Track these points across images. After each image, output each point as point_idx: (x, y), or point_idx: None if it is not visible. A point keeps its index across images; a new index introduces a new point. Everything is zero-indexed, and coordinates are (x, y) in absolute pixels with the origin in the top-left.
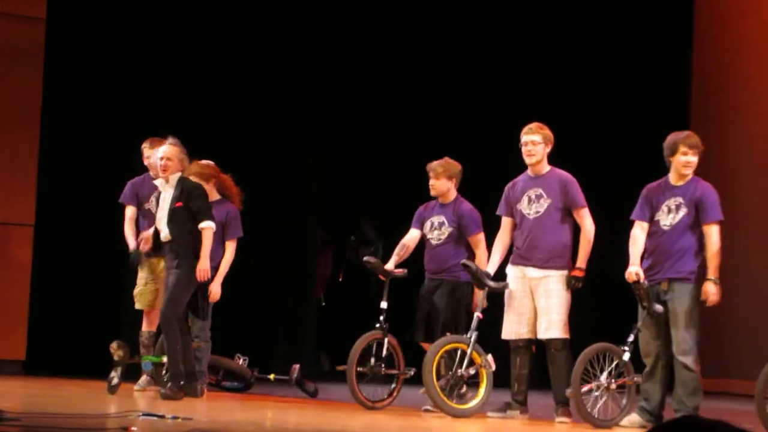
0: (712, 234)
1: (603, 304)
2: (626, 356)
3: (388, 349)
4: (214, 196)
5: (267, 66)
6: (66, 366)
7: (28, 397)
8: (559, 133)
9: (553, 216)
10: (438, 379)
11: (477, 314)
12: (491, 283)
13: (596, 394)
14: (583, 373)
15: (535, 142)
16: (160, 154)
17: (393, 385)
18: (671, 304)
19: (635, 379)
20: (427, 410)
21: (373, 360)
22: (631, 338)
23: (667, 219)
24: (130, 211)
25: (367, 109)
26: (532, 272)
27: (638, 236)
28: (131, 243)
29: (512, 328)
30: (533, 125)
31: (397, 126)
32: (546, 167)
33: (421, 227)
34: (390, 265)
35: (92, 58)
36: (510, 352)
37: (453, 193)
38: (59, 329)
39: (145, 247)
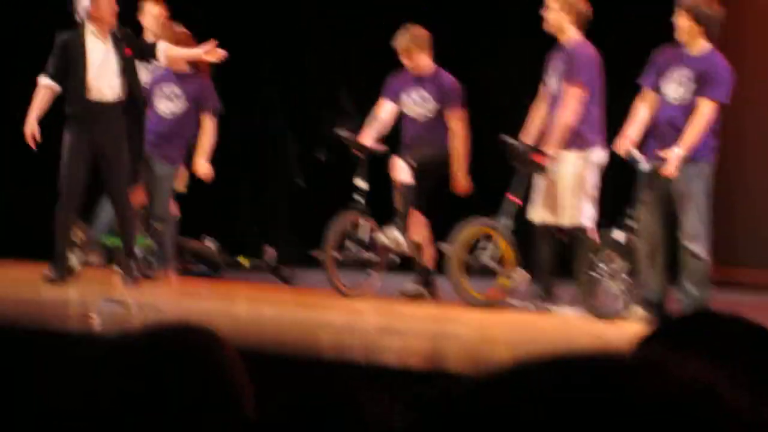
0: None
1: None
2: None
3: (365, 231)
4: (185, 66)
5: None
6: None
7: None
8: None
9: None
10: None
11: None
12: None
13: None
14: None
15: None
16: None
17: (371, 271)
18: (678, 183)
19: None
20: (404, 294)
21: (347, 243)
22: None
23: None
24: None
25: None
26: None
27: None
28: None
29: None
30: None
31: None
32: (570, 37)
33: (396, 100)
34: (367, 140)
35: None
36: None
37: (430, 64)
38: None
39: None
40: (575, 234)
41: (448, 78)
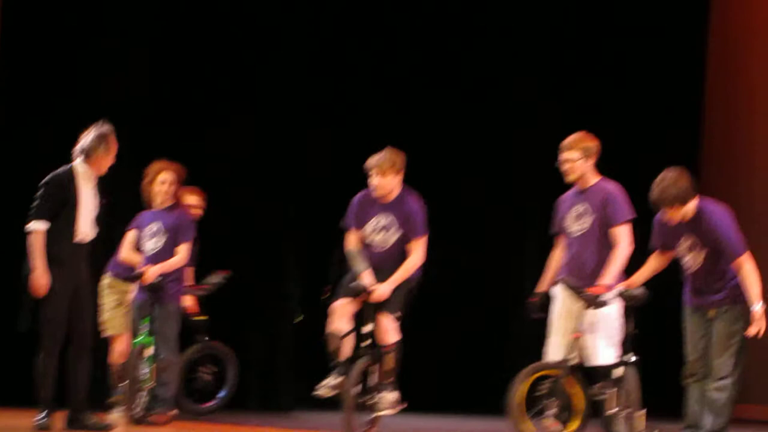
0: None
1: None
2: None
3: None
4: (171, 200)
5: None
6: None
7: None
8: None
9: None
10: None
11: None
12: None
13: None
14: None
15: (570, 160)
16: None
17: (374, 415)
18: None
19: None
20: None
21: (360, 388)
22: None
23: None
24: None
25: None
26: None
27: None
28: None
29: None
30: (572, 138)
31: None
32: (591, 180)
33: (361, 227)
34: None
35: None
36: None
37: (398, 189)
38: None
39: None
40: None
41: (414, 203)
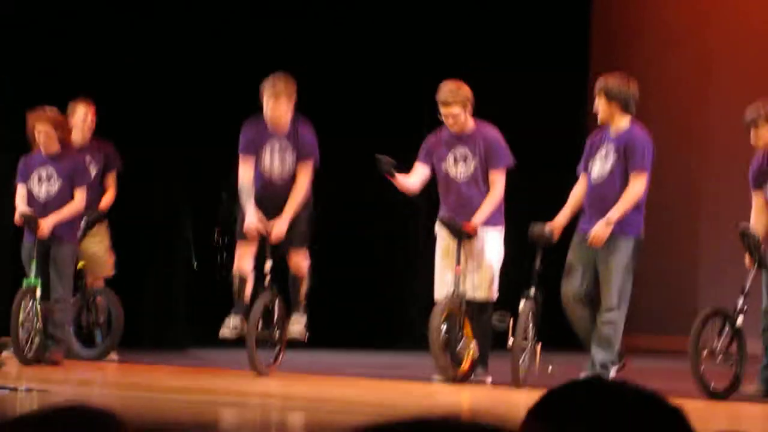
0: None
1: None
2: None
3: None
4: (55, 146)
5: None
6: None
7: None
8: None
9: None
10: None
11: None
12: None
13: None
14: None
15: (455, 114)
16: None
17: (278, 348)
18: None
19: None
20: None
21: (261, 324)
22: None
23: None
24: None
25: None
26: None
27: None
28: None
29: None
30: (448, 92)
31: None
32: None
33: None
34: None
35: None
36: None
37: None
38: None
39: None
40: None
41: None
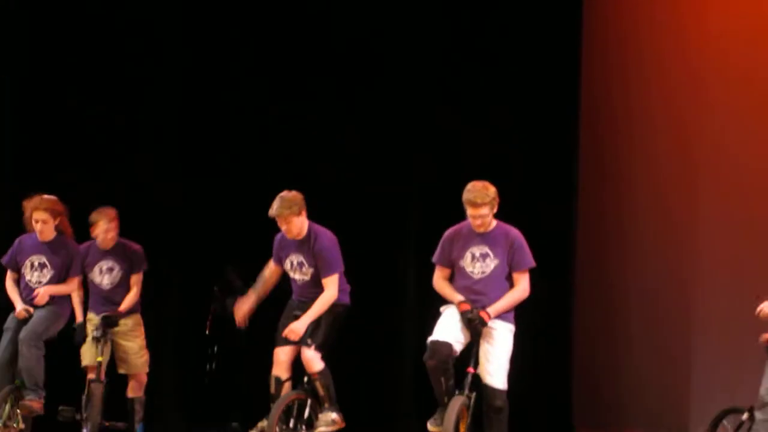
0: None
1: None
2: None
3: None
4: (51, 234)
5: None
6: None
7: None
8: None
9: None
10: None
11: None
12: None
13: None
14: None
15: (484, 215)
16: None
17: None
18: None
19: None
20: None
21: (293, 422)
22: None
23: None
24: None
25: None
26: None
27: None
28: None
29: None
30: (477, 193)
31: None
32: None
33: (281, 263)
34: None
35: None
36: None
37: (305, 227)
38: None
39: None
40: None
41: (323, 240)
